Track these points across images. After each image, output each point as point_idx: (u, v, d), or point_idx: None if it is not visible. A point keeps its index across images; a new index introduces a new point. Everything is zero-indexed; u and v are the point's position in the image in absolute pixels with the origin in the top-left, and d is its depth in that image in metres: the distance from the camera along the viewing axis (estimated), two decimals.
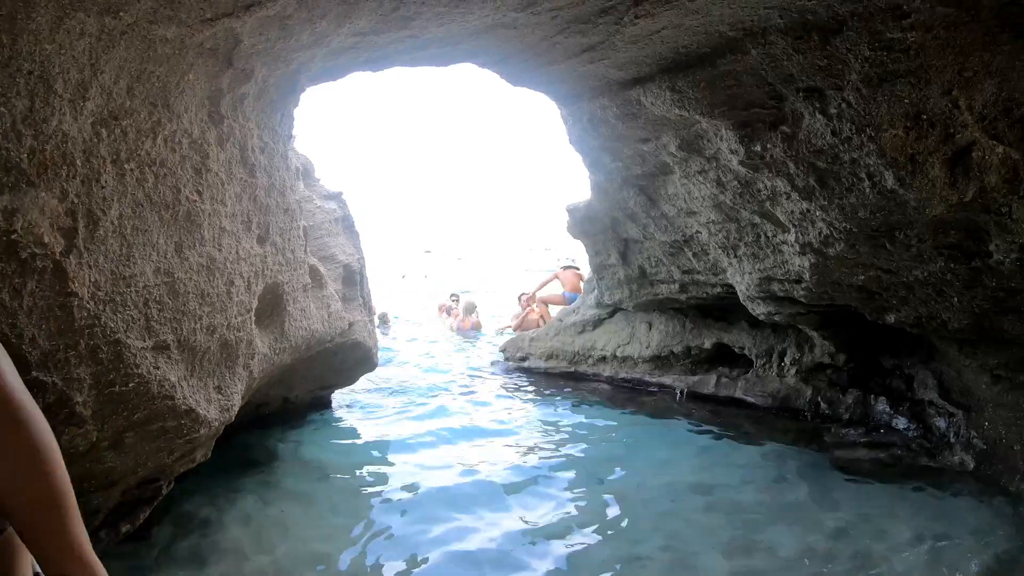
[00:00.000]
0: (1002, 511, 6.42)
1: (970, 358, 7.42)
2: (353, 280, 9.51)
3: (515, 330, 15.99)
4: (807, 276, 6.86)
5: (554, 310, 16.30)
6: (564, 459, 8.28)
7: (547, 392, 11.59)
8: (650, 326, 11.29)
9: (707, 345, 10.56)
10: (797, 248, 6.63)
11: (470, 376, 13.20)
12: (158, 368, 4.63)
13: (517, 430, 9.50)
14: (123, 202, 4.21)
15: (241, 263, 5.53)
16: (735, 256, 7.74)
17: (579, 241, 10.98)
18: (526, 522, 6.59)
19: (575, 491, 7.33)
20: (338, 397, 10.87)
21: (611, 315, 12.03)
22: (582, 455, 8.44)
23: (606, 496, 7.17)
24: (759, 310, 8.23)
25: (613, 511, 6.82)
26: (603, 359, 11.91)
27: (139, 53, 4.09)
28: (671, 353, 10.93)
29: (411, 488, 7.36)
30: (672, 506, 6.83)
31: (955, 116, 4.81)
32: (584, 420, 9.91)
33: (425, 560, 5.88)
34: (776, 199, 6.35)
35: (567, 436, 9.19)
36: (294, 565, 5.75)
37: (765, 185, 6.31)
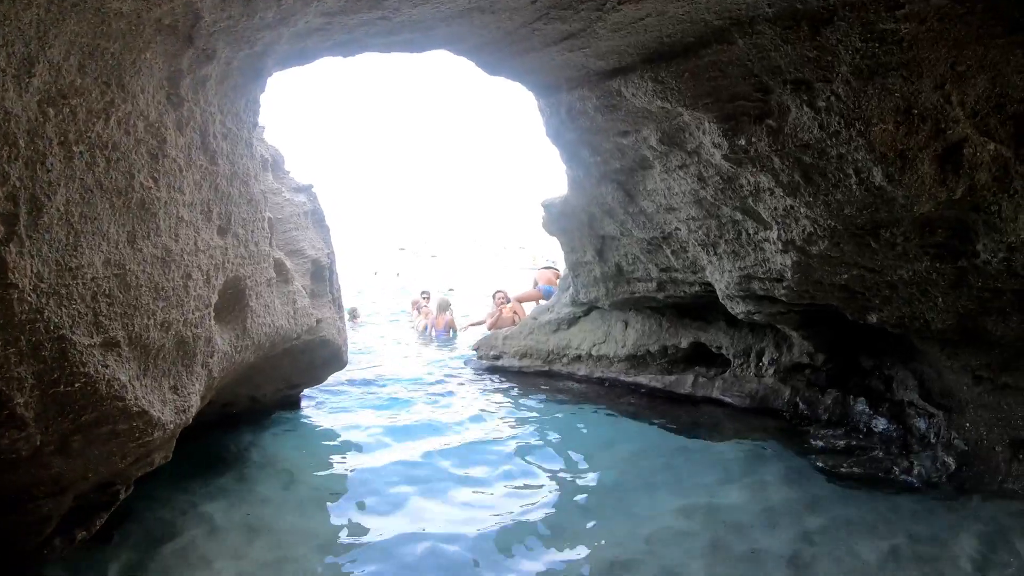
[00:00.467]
0: (982, 514, 6.28)
1: (952, 359, 7.29)
2: (322, 276, 9.24)
3: (489, 328, 15.73)
4: (789, 275, 6.69)
5: (530, 308, 16.11)
6: (538, 460, 8.09)
7: (521, 391, 11.38)
8: (626, 325, 11.09)
9: (684, 344, 10.39)
10: (779, 246, 6.45)
11: (441, 375, 12.96)
12: (107, 367, 4.34)
13: (489, 430, 9.31)
14: (70, 187, 3.94)
15: (200, 255, 5.25)
16: (715, 254, 7.55)
17: (555, 238, 10.76)
18: (501, 525, 6.39)
19: (550, 494, 7.14)
20: (307, 396, 10.62)
21: (586, 313, 11.83)
22: (557, 456, 8.25)
23: (580, 500, 6.99)
24: (738, 309, 8.05)
25: (588, 516, 6.62)
26: (578, 358, 11.71)
27: (92, 27, 3.84)
28: (647, 352, 10.75)
29: (381, 490, 7.15)
30: (649, 509, 6.65)
31: (947, 111, 4.67)
32: (558, 420, 9.71)
33: (397, 562, 5.70)
34: (759, 195, 6.16)
35: (541, 436, 9.00)
36: (260, 572, 5.53)
37: (748, 180, 6.11)
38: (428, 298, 19.76)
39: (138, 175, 4.45)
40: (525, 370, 12.30)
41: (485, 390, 11.62)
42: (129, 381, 4.57)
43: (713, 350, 10.21)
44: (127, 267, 4.42)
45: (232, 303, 6.23)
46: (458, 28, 5.77)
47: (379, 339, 17.22)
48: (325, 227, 10.07)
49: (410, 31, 5.61)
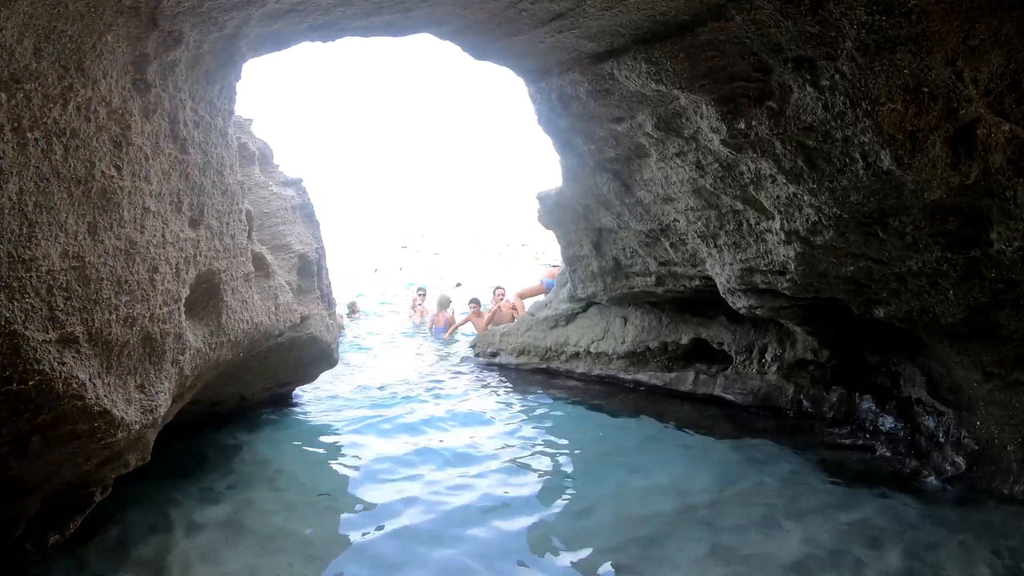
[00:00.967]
0: (994, 520, 6.02)
1: (962, 355, 7.00)
2: (309, 271, 8.98)
3: (486, 324, 15.51)
4: (792, 267, 6.41)
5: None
6: (534, 461, 7.83)
7: (517, 389, 11.12)
8: (625, 321, 10.82)
9: (684, 341, 10.11)
10: (782, 236, 6.16)
11: (437, 373, 12.70)
12: (64, 364, 4.08)
13: (485, 429, 9.06)
14: (24, 175, 3.73)
15: (168, 247, 5.01)
16: (715, 246, 7.27)
17: (551, 231, 10.48)
18: (495, 526, 6.18)
19: (547, 497, 6.88)
20: (300, 394, 10.40)
21: (585, 309, 11.56)
22: (553, 458, 7.97)
23: (577, 503, 6.72)
24: (740, 303, 7.77)
25: (584, 519, 6.37)
26: (576, 355, 11.44)
27: (47, 9, 3.65)
28: (647, 349, 10.48)
29: (372, 489, 6.97)
30: (648, 512, 6.39)
31: (959, 89, 4.38)
32: (556, 419, 9.47)
33: (386, 562, 5.53)
34: (760, 183, 5.88)
35: (537, 436, 8.74)
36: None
37: (749, 167, 5.83)
38: (424, 295, 19.51)
39: (99, 163, 4.24)
40: (522, 367, 12.06)
41: (481, 388, 11.36)
42: (89, 379, 4.32)
43: (714, 346, 9.94)
44: (86, 259, 4.20)
45: (205, 298, 5.98)
46: (440, 9, 5.49)
47: (376, 335, 16.96)
48: (315, 222, 9.85)
49: (389, 12, 5.33)
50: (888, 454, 7.45)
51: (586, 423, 9.25)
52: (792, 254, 6.27)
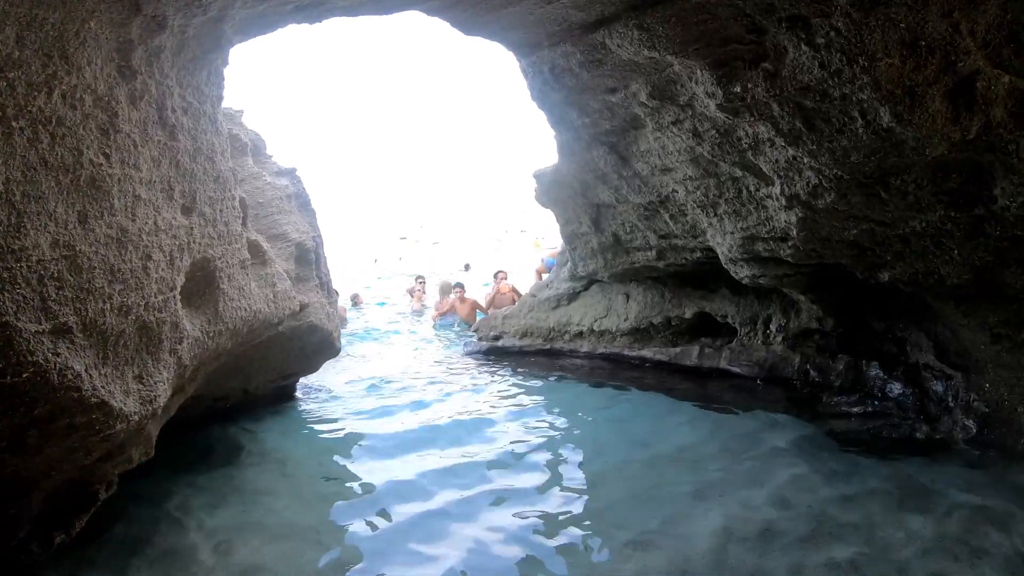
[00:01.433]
0: (1010, 477, 5.96)
1: (968, 316, 6.93)
2: (307, 259, 8.90)
3: (486, 307, 15.51)
4: (794, 232, 6.33)
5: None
6: (541, 439, 7.77)
7: (522, 371, 11.07)
8: (627, 297, 10.75)
9: (688, 315, 10.05)
10: (783, 202, 6.08)
11: (441, 358, 12.66)
12: (58, 355, 4.01)
13: (490, 411, 8.98)
14: (11, 165, 3.66)
15: (161, 235, 4.93)
16: (715, 215, 7.18)
17: (548, 210, 10.39)
18: (502, 507, 6.12)
19: (553, 474, 6.82)
20: (303, 386, 10.31)
21: (586, 288, 11.48)
22: (559, 435, 7.93)
23: (587, 479, 6.69)
24: (742, 273, 7.69)
25: (595, 494, 6.33)
26: (580, 334, 11.37)
27: None
28: (650, 325, 10.41)
29: (379, 474, 6.89)
30: (659, 487, 6.32)
31: (956, 42, 4.29)
32: (561, 398, 9.41)
33: (396, 559, 5.39)
34: (759, 147, 5.79)
35: (543, 415, 8.69)
36: (252, 568, 5.24)
37: (746, 132, 5.74)
38: (423, 283, 19.43)
39: (87, 151, 4.15)
40: (526, 349, 11.98)
41: (485, 371, 11.30)
42: (85, 370, 4.23)
43: (718, 319, 9.87)
44: (77, 248, 4.11)
45: (202, 286, 5.90)
46: None
47: (379, 324, 16.91)
48: (311, 210, 9.78)
49: None
50: (898, 420, 7.40)
51: (592, 401, 9.19)
52: (793, 219, 6.18)
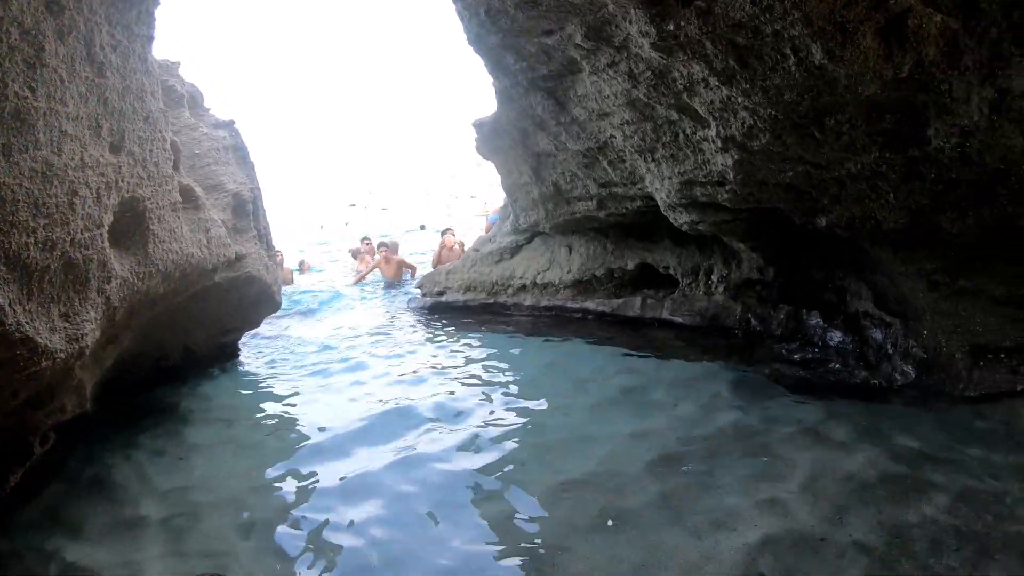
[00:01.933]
0: (948, 419, 6.00)
1: (906, 263, 6.93)
2: (245, 210, 8.71)
3: (434, 264, 15.36)
4: (731, 176, 6.24)
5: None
6: (483, 389, 7.72)
7: (466, 325, 10.98)
8: (570, 250, 10.67)
9: (630, 266, 9.99)
10: (719, 144, 5.98)
11: (385, 317, 12.54)
12: None
13: (434, 365, 8.90)
14: None
15: (88, 171, 4.83)
16: (653, 160, 7.07)
17: (490, 161, 10.24)
18: (447, 458, 6.03)
19: (493, 421, 6.78)
20: (246, 345, 10.28)
21: (529, 241, 11.38)
22: (501, 385, 7.87)
23: (529, 427, 6.62)
24: (681, 219, 7.61)
25: (538, 440, 6.27)
26: (523, 288, 11.28)
27: None
28: (593, 277, 10.35)
29: (324, 431, 6.83)
30: (601, 431, 6.29)
31: None
32: (504, 350, 9.34)
33: (336, 501, 5.37)
34: (694, 88, 5.66)
35: (486, 366, 8.62)
36: (193, 516, 5.21)
37: (681, 73, 5.61)
38: (370, 244, 19.13)
39: (12, 84, 4.05)
40: (470, 304, 11.88)
41: (428, 328, 11.20)
42: (8, 304, 4.15)
43: (660, 270, 9.83)
44: (1, 181, 3.99)
45: (131, 226, 5.81)
46: None
47: (324, 286, 16.73)
48: (249, 163, 9.60)
49: None
50: (838, 366, 7.40)
51: (535, 352, 9.13)
52: (730, 162, 6.09)
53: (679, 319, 9.34)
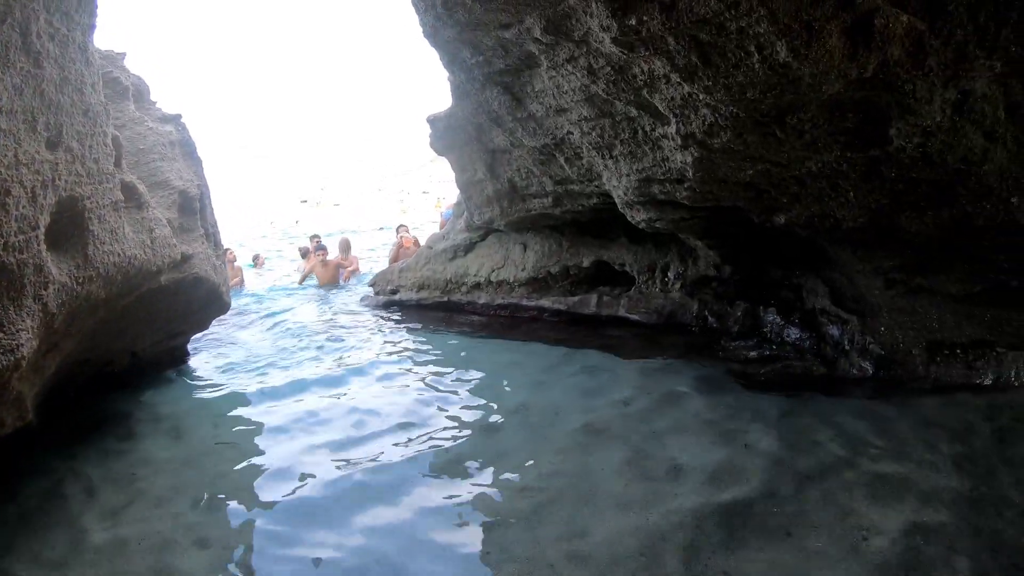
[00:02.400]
0: (907, 412, 6.00)
1: (864, 261, 6.95)
2: (191, 208, 8.40)
3: (391, 262, 15.07)
4: (690, 173, 6.16)
5: None
6: (441, 393, 7.55)
7: (419, 324, 10.81)
8: (525, 247, 10.55)
9: (586, 264, 9.90)
10: (679, 141, 5.89)
11: (337, 317, 12.29)
12: None
13: (387, 367, 8.70)
14: None
15: (21, 169, 4.51)
16: (610, 157, 6.96)
17: (444, 158, 10.06)
18: (405, 464, 5.87)
19: (455, 426, 6.61)
20: (194, 349, 9.98)
21: (483, 238, 11.23)
22: (456, 386, 7.72)
23: (485, 427, 6.50)
24: (639, 217, 7.52)
25: (494, 441, 6.15)
26: (477, 285, 11.13)
27: None
28: (548, 274, 10.24)
29: (274, 438, 6.61)
30: (559, 430, 6.20)
31: None
32: (459, 350, 9.21)
33: (289, 512, 5.18)
34: (654, 84, 5.56)
35: (441, 367, 8.46)
36: (142, 535, 4.91)
37: (642, 68, 5.50)
38: (319, 241, 18.51)
39: None
40: (424, 302, 11.71)
41: (382, 327, 10.99)
42: None
43: (616, 268, 9.75)
44: None
45: (69, 228, 5.45)
46: None
47: (277, 285, 16.41)
48: (196, 159, 9.29)
49: None
50: (796, 363, 7.40)
51: (490, 351, 8.99)
52: (689, 159, 6.01)
53: (636, 317, 9.27)
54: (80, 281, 5.53)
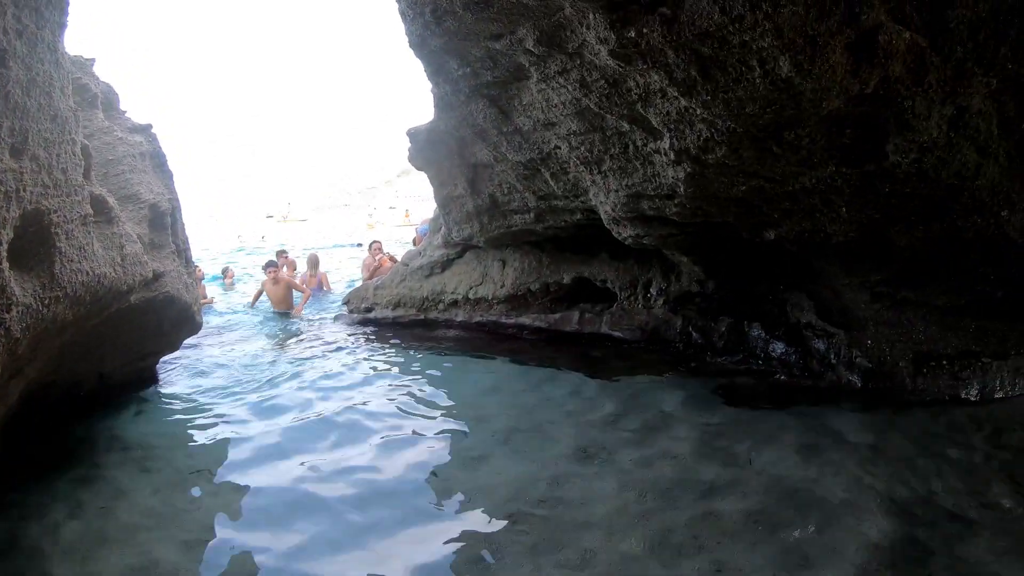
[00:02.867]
0: (898, 429, 5.96)
1: (851, 275, 6.97)
2: (162, 223, 8.08)
3: (369, 278, 14.77)
4: (681, 189, 6.10)
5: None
6: (420, 416, 7.33)
7: (396, 344, 10.60)
8: (504, 264, 10.43)
9: (566, 280, 9.82)
10: (672, 156, 5.83)
11: (310, 335, 12.00)
12: None
13: (364, 389, 8.44)
14: None
15: None
16: (599, 172, 6.89)
17: (423, 172, 9.91)
18: (386, 489, 5.65)
19: (437, 450, 6.42)
20: (164, 369, 9.58)
21: (460, 255, 11.10)
22: (438, 409, 7.51)
23: (469, 452, 6.27)
24: (625, 233, 7.45)
25: (479, 467, 5.93)
26: (455, 303, 10.99)
27: None
28: (528, 291, 10.14)
29: (248, 464, 6.27)
30: (545, 454, 6.02)
31: None
32: (438, 370, 9.00)
33: (274, 555, 4.79)
34: (649, 99, 5.49)
35: (421, 390, 8.23)
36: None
37: (637, 82, 5.43)
38: (286, 256, 17.94)
39: None
40: (400, 320, 11.53)
41: (357, 346, 10.75)
42: None
43: (598, 284, 9.68)
44: None
45: (34, 244, 4.99)
46: None
47: (240, 306, 16.03)
48: (167, 171, 8.94)
49: None
50: (782, 377, 7.40)
51: (470, 371, 8.82)
52: (682, 175, 5.95)
53: (619, 333, 9.21)
54: (46, 302, 5.08)
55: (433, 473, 5.92)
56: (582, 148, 6.78)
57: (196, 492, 5.80)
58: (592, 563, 4.40)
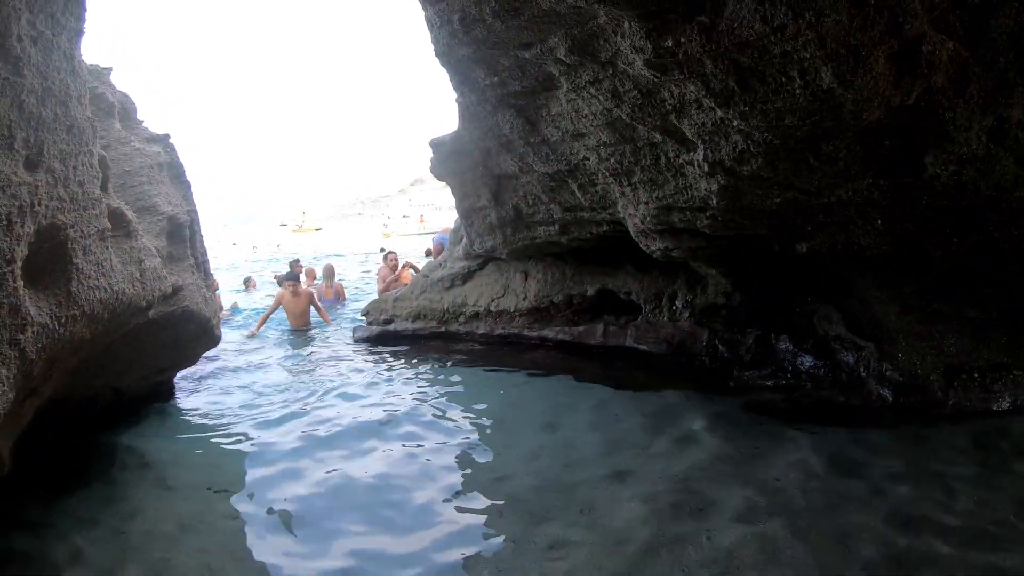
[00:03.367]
0: (931, 440, 5.91)
1: (882, 287, 6.88)
2: (181, 235, 8.02)
3: (380, 292, 14.66)
4: (714, 201, 6.01)
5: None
6: (442, 431, 7.23)
7: (415, 356, 10.55)
8: (526, 276, 10.34)
9: (590, 292, 9.73)
10: (705, 168, 5.74)
11: (328, 346, 11.97)
12: None
13: (386, 402, 8.34)
14: None
15: None
16: (628, 184, 6.80)
17: (443, 183, 9.83)
18: (408, 505, 5.55)
19: (459, 470, 6.29)
20: (181, 383, 9.50)
21: (482, 267, 11.02)
22: (461, 425, 7.40)
23: (495, 470, 6.18)
24: (654, 246, 7.35)
25: (506, 487, 5.79)
26: (476, 315, 10.89)
27: None
28: (551, 303, 10.04)
29: (269, 480, 6.16)
30: (576, 476, 5.86)
31: (904, 3, 4.04)
32: (461, 385, 8.92)
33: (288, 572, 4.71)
34: (684, 110, 5.40)
35: (443, 404, 8.13)
36: None
37: (672, 93, 5.34)
38: (301, 267, 17.70)
39: None
40: (420, 332, 11.44)
41: (377, 358, 10.72)
42: None
43: (622, 296, 9.58)
44: None
45: (50, 260, 4.84)
46: None
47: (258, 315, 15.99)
48: (185, 182, 8.91)
49: None
50: (812, 392, 7.30)
51: (493, 386, 8.72)
52: (715, 187, 5.86)
53: (644, 347, 9.10)
54: (63, 321, 4.89)
55: (458, 492, 5.79)
56: (612, 159, 6.69)
57: (217, 514, 5.67)
58: None
